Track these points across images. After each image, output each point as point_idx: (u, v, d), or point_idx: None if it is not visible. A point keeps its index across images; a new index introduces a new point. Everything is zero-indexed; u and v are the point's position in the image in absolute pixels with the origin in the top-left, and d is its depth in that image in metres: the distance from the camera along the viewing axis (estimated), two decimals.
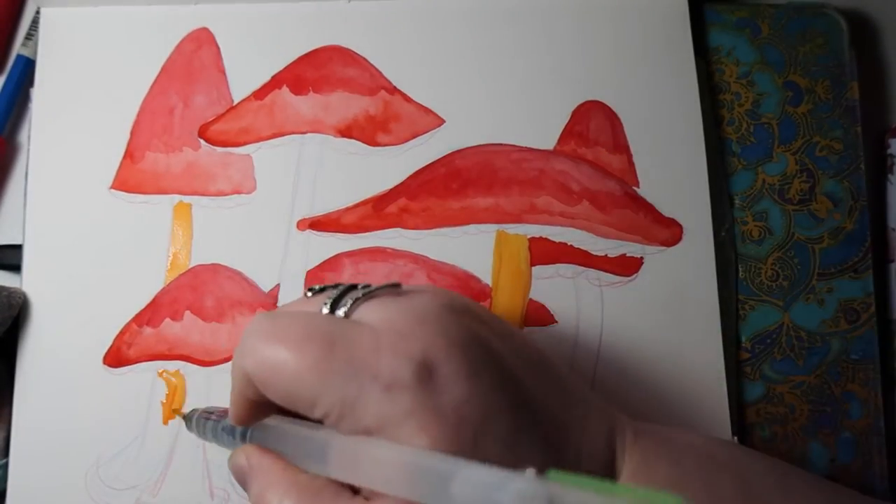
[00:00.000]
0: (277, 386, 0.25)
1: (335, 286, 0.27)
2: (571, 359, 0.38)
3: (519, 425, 0.25)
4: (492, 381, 0.25)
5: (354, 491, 0.25)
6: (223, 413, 0.32)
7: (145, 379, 0.37)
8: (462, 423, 0.24)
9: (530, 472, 0.19)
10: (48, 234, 0.38)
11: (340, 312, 0.26)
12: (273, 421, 0.28)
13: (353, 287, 0.27)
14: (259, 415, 0.28)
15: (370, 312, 0.26)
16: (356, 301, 0.26)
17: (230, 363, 0.32)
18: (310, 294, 0.28)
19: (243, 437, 0.29)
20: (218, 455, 0.36)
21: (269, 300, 0.38)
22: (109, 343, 0.37)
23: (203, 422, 0.33)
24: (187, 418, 0.35)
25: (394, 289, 0.27)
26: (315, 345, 0.24)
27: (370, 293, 0.26)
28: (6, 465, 0.36)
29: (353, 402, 0.24)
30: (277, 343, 0.24)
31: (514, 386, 0.25)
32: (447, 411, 0.24)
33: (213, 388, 0.37)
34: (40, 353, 0.37)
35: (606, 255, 0.39)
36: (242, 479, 0.28)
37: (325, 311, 0.26)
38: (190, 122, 0.39)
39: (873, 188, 0.42)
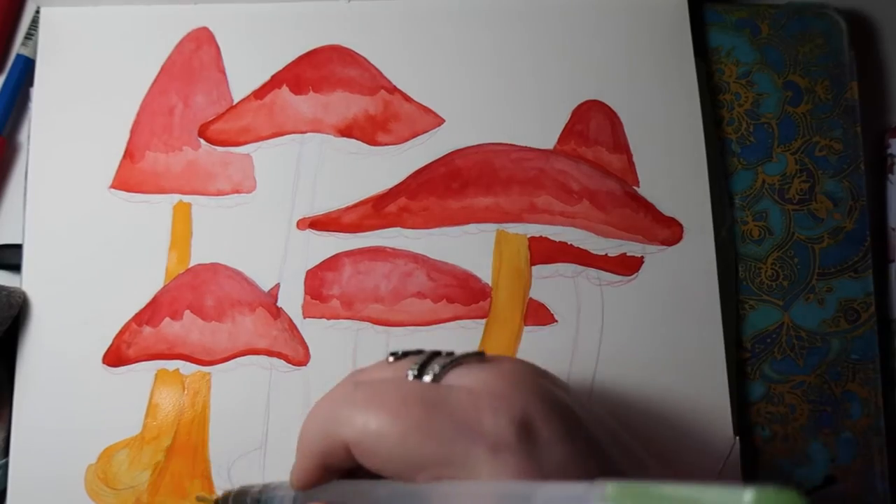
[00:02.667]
0: (381, 452, 0.24)
1: (418, 352, 0.28)
2: (571, 358, 0.38)
3: None
4: (585, 448, 0.25)
5: None
6: (260, 490, 0.31)
7: (145, 378, 0.37)
8: None
9: (609, 483, 0.19)
10: (48, 233, 0.38)
11: (428, 378, 0.26)
12: (337, 483, 0.27)
13: (437, 353, 0.27)
14: (325, 480, 0.27)
15: (460, 377, 0.26)
16: (444, 367, 0.26)
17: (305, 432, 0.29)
18: (391, 359, 0.28)
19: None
20: (218, 455, 0.36)
21: (269, 299, 0.38)
22: (109, 342, 0.37)
23: (245, 498, 0.32)
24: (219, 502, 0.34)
25: (479, 356, 0.27)
26: (415, 408, 0.24)
27: (457, 360, 0.27)
28: (6, 465, 0.36)
29: (462, 463, 0.23)
30: (377, 409, 0.24)
31: (601, 455, 0.26)
32: (550, 474, 0.24)
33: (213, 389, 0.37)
34: (40, 352, 0.37)
35: (607, 255, 0.39)
36: None
37: (411, 376, 0.26)
38: (190, 121, 0.39)
39: (873, 188, 0.42)
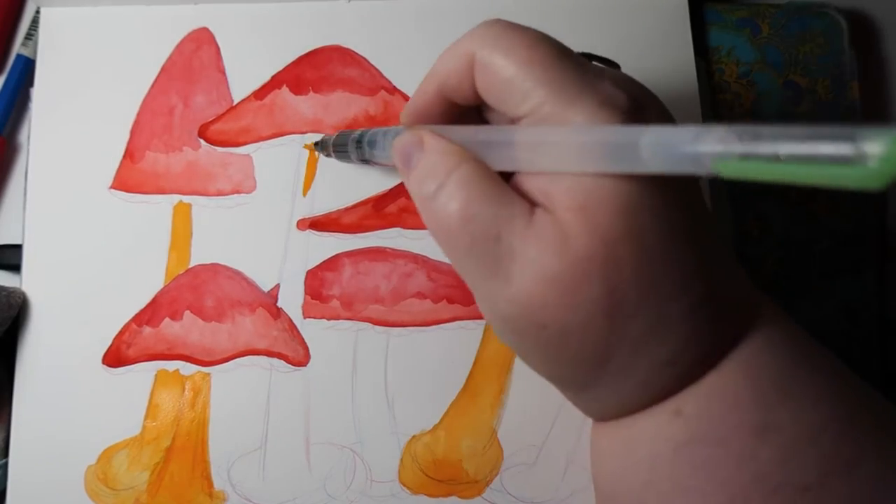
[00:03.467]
0: (500, 70, 0.25)
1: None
2: None
3: None
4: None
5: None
6: (350, 131, 0.34)
7: (145, 379, 0.37)
8: None
9: (723, 127, 0.19)
10: (48, 234, 0.38)
11: None
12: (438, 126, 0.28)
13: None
14: (436, 110, 0.29)
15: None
16: (586, 54, 0.28)
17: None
18: None
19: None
20: (217, 456, 0.36)
21: (269, 300, 0.38)
22: (109, 343, 0.37)
23: (362, 134, 0.34)
24: (321, 144, 0.37)
25: (613, 64, 0.29)
26: (550, 45, 0.25)
27: (593, 56, 0.29)
28: (6, 465, 0.36)
29: (568, 101, 0.24)
30: (518, 33, 0.26)
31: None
32: None
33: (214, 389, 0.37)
34: (40, 352, 0.37)
35: None
36: (407, 155, 0.28)
37: None
38: (190, 121, 0.39)
39: None
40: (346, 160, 0.37)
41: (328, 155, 0.38)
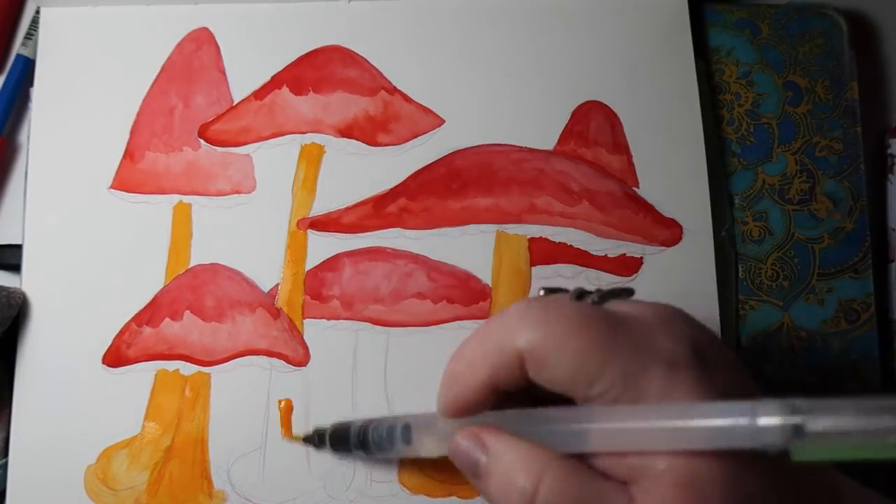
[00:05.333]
0: (558, 363, 0.24)
1: (565, 289, 0.28)
2: None
3: None
4: (750, 381, 0.26)
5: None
6: (368, 421, 0.31)
7: (145, 379, 0.37)
8: None
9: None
10: (48, 234, 0.38)
11: (588, 302, 0.27)
12: (490, 413, 0.27)
13: (586, 290, 0.28)
14: (479, 405, 0.27)
15: (621, 306, 0.26)
16: (603, 296, 0.27)
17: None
18: (543, 293, 0.29)
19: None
20: (217, 456, 0.36)
21: (269, 300, 0.38)
22: (109, 343, 0.37)
23: (365, 430, 0.31)
24: (314, 438, 0.34)
25: (630, 292, 0.28)
26: (599, 323, 0.25)
27: (613, 292, 0.27)
28: (6, 465, 0.36)
29: (636, 377, 0.24)
30: (558, 321, 0.25)
31: (748, 389, 0.26)
32: (721, 394, 0.24)
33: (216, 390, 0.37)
34: (40, 352, 0.37)
35: (606, 256, 0.39)
36: (473, 463, 0.26)
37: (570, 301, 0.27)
38: (190, 121, 0.39)
39: (873, 188, 0.42)
40: (345, 457, 0.34)
41: (321, 449, 0.35)
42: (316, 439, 0.35)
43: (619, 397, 0.24)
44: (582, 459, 0.25)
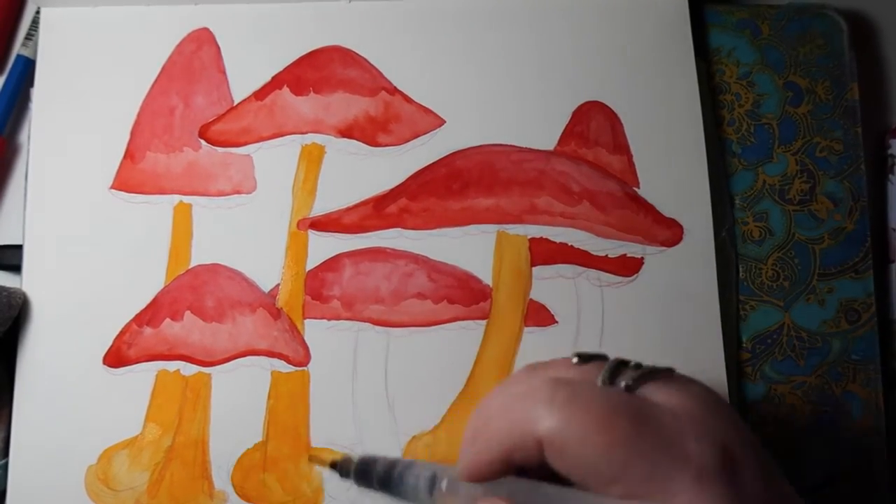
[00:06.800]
0: (579, 457, 0.24)
1: (601, 356, 0.27)
2: None
3: None
4: (781, 491, 0.25)
5: None
6: (395, 462, 0.31)
7: (145, 379, 0.37)
8: None
9: None
10: (48, 234, 0.38)
11: (621, 386, 0.25)
12: (513, 480, 0.26)
13: (624, 362, 0.26)
14: (501, 475, 0.26)
15: (654, 393, 0.25)
16: (637, 380, 0.26)
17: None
18: (576, 360, 0.27)
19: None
20: (218, 456, 0.36)
21: (270, 300, 0.38)
22: (109, 343, 0.37)
23: (390, 472, 0.31)
24: (340, 467, 0.33)
25: (669, 372, 0.27)
26: (623, 419, 0.24)
27: (649, 373, 0.26)
28: (6, 465, 0.36)
29: (663, 484, 0.23)
30: (583, 414, 0.24)
31: (783, 497, 0.25)
32: None
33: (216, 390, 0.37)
34: (40, 353, 0.37)
35: (607, 256, 0.39)
36: None
37: (600, 382, 0.26)
38: (190, 122, 0.39)
39: (873, 188, 0.42)
40: (368, 491, 0.34)
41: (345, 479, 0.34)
42: (341, 469, 0.34)
43: (641, 498, 0.23)
44: None
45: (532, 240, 0.39)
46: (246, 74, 0.40)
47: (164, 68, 0.40)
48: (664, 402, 0.25)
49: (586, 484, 0.24)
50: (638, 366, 0.26)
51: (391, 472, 0.31)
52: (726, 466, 0.23)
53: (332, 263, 0.38)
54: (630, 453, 0.23)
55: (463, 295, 0.38)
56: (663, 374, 0.26)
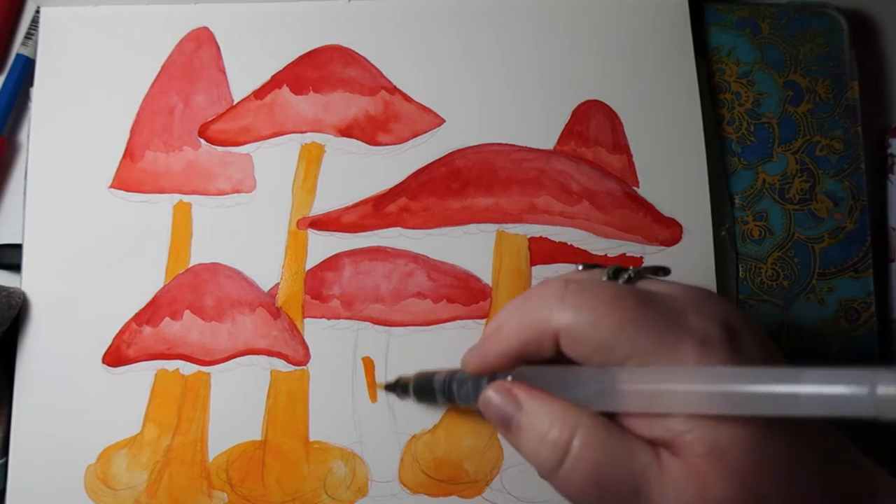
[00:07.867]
0: (593, 341, 0.25)
1: (599, 266, 0.29)
2: None
3: None
4: (779, 359, 0.26)
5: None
6: (452, 372, 0.32)
7: (145, 378, 0.37)
8: None
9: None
10: (48, 233, 0.38)
11: (622, 281, 0.27)
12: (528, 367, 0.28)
13: (623, 268, 0.28)
14: (513, 368, 0.28)
15: (654, 285, 0.27)
16: (636, 274, 0.28)
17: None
18: (581, 268, 0.30)
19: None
20: (217, 456, 0.36)
21: (269, 299, 0.38)
22: (109, 342, 0.37)
23: (450, 382, 0.32)
24: (397, 388, 0.36)
25: (665, 271, 0.29)
26: (632, 300, 0.25)
27: (646, 270, 0.28)
28: (5, 464, 0.36)
29: (671, 351, 0.24)
30: (592, 300, 0.25)
31: (778, 362, 0.26)
32: None
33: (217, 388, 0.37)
34: (40, 352, 0.37)
35: (606, 255, 0.39)
36: (504, 417, 0.27)
37: (604, 279, 0.28)
38: (190, 121, 0.39)
39: (873, 188, 0.42)
40: (429, 403, 0.36)
41: (404, 398, 0.36)
42: (399, 389, 0.36)
43: (650, 365, 0.25)
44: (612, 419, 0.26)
45: (532, 239, 0.39)
46: (245, 73, 0.40)
47: (163, 67, 0.40)
48: (664, 290, 0.27)
49: (598, 361, 0.25)
50: (635, 267, 0.29)
51: (450, 382, 0.32)
52: (727, 335, 0.25)
53: (332, 262, 0.38)
54: (637, 328, 0.25)
55: (462, 294, 0.38)
56: (661, 272, 0.29)
